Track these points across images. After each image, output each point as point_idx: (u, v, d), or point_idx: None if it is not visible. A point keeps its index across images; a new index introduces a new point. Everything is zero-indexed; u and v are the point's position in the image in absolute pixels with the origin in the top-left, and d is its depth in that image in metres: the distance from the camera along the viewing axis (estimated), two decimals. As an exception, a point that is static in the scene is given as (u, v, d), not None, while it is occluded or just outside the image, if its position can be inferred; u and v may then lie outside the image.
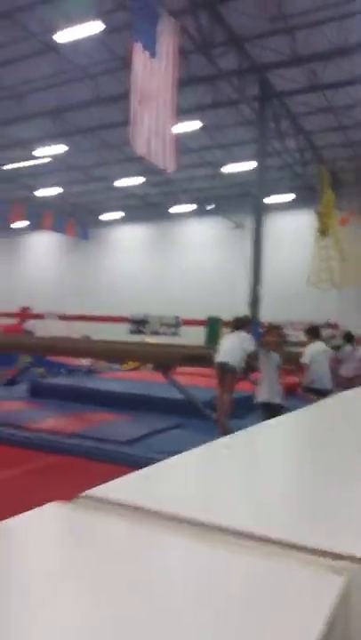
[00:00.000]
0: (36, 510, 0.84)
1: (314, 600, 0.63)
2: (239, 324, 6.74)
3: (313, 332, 7.52)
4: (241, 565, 0.71)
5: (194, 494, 0.97)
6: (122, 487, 0.95)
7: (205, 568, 0.71)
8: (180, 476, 1.09)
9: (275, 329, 6.28)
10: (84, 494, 0.89)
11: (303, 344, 10.05)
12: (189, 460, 1.17)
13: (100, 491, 0.91)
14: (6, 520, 0.78)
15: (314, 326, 8.01)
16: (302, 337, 14.58)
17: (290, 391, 7.34)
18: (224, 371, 6.35)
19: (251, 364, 6.74)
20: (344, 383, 7.91)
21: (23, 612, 0.58)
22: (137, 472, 1.01)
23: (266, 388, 5.76)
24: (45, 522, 0.83)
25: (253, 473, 1.15)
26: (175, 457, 1.13)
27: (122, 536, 0.79)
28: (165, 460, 1.10)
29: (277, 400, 5.67)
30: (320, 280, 15.45)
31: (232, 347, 6.42)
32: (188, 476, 1.10)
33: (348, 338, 9.75)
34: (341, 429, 1.73)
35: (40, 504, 0.85)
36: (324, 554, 0.72)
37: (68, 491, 0.96)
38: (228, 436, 1.45)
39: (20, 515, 0.81)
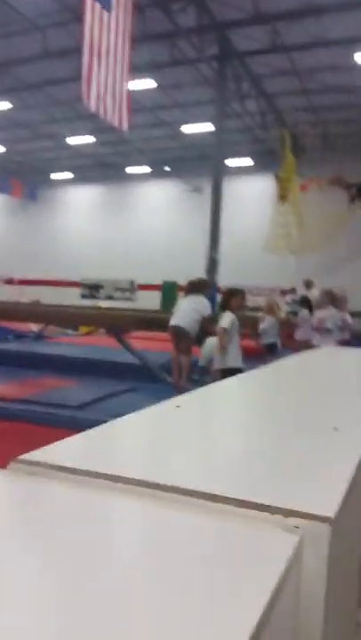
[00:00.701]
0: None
1: (267, 558, 0.63)
2: (195, 288, 6.70)
3: None
4: (192, 524, 0.69)
5: (142, 455, 0.95)
6: (63, 450, 0.91)
7: (154, 528, 0.69)
8: (128, 436, 1.06)
9: (240, 292, 6.27)
10: (19, 459, 0.84)
11: (261, 309, 10.13)
12: (138, 421, 1.14)
13: (37, 455, 0.86)
14: None
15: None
16: (260, 302, 14.87)
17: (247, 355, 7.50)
18: (178, 335, 6.38)
19: (206, 329, 6.76)
20: (300, 348, 8.06)
21: None
22: (80, 434, 0.97)
23: (230, 354, 5.78)
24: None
25: (205, 432, 1.13)
26: (123, 417, 1.10)
27: (60, 499, 0.76)
28: (112, 421, 1.07)
29: (239, 364, 5.72)
30: (277, 246, 15.51)
31: (186, 311, 6.41)
32: (136, 437, 1.07)
33: (304, 302, 9.86)
34: (294, 388, 1.74)
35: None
36: (277, 511, 0.71)
37: (11, 458, 0.91)
38: (183, 395, 1.43)
39: None
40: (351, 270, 18.18)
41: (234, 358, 5.77)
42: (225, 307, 6.02)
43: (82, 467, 0.82)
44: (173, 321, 6.38)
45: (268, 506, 0.72)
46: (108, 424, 1.07)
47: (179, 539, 0.66)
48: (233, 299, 6.02)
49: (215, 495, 0.74)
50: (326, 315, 8.29)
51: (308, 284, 10.85)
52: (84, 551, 0.61)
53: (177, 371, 6.43)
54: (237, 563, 0.61)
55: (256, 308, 11.45)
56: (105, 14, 9.12)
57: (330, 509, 0.71)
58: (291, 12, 12.84)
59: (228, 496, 0.74)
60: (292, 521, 0.70)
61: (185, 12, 12.87)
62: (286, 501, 0.72)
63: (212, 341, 6.53)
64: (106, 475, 0.80)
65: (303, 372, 2.32)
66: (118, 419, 1.10)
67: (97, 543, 0.64)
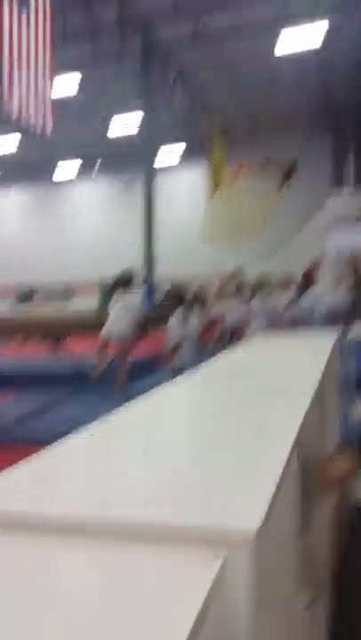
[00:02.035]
0: None
1: (190, 583, 0.63)
2: (121, 283, 6.47)
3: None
4: (115, 554, 0.69)
5: (68, 486, 0.94)
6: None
7: (76, 561, 0.69)
8: (57, 467, 1.03)
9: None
10: None
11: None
12: (63, 452, 1.11)
13: None
14: None
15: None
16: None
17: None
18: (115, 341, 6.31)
19: (145, 328, 6.72)
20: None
21: None
22: (6, 470, 0.95)
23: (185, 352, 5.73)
24: None
25: (135, 452, 1.13)
26: (46, 450, 1.07)
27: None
28: (42, 451, 1.04)
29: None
30: (214, 235, 15.55)
31: (117, 316, 6.27)
32: (65, 466, 1.05)
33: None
34: (224, 388, 1.76)
35: None
36: (201, 536, 0.71)
37: None
38: (119, 407, 1.42)
39: None
40: (287, 250, 18.56)
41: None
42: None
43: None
44: (105, 331, 6.28)
45: (191, 527, 0.72)
46: (41, 453, 1.04)
47: (99, 571, 0.67)
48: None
49: (141, 523, 0.74)
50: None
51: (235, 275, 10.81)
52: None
53: (116, 374, 6.33)
54: (160, 591, 0.62)
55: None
56: (23, 15, 8.99)
57: (251, 528, 0.71)
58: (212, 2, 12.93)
59: (149, 520, 0.74)
60: (217, 547, 0.69)
61: (104, 7, 12.75)
62: (208, 523, 0.73)
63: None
64: (30, 514, 0.79)
65: (238, 367, 2.34)
66: (42, 451, 1.07)
67: (12, 583, 0.63)
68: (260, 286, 8.51)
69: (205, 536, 0.71)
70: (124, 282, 6.48)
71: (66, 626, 0.55)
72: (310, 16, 13.17)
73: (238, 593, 0.69)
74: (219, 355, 2.57)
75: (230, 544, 0.69)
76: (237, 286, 9.63)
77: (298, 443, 1.08)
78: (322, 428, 1.79)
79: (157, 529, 0.73)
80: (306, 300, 8.42)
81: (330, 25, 13.34)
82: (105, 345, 6.36)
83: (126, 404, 1.47)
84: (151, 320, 6.54)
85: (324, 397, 1.83)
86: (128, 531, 0.74)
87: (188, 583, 0.63)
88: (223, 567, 0.67)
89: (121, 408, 1.42)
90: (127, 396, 1.57)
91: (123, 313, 6.28)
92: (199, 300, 7.07)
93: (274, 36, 13.96)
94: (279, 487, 0.85)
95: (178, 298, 6.03)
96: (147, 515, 0.76)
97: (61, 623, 0.56)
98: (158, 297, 14.67)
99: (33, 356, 8.52)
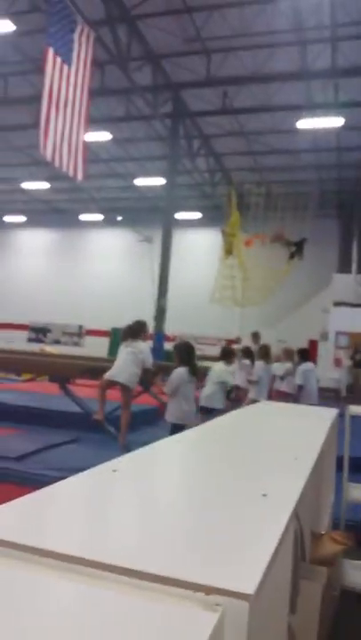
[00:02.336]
0: None
1: (186, 637, 0.63)
2: (131, 333, 6.41)
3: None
4: (111, 602, 0.69)
5: (69, 526, 0.94)
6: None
7: (75, 604, 0.69)
8: (58, 506, 1.05)
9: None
10: None
11: (207, 358, 10.24)
12: (71, 488, 1.14)
13: None
14: None
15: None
16: (206, 351, 14.96)
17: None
18: (119, 387, 6.23)
19: (148, 379, 6.69)
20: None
21: None
22: (8, 504, 0.96)
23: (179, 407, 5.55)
24: None
25: (137, 501, 1.14)
26: (56, 484, 1.09)
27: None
28: (44, 489, 1.06)
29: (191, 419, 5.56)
30: (223, 297, 15.86)
31: (123, 362, 6.16)
32: (67, 507, 1.06)
33: (247, 354, 9.93)
34: (231, 449, 1.76)
35: None
36: (198, 588, 0.72)
37: None
38: (121, 457, 1.43)
39: None
40: (289, 321, 18.85)
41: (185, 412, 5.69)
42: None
43: (9, 538, 0.82)
44: (110, 374, 6.15)
45: (190, 583, 0.72)
46: (42, 491, 1.06)
47: (96, 619, 0.65)
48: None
49: (134, 571, 0.74)
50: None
51: (256, 337, 10.94)
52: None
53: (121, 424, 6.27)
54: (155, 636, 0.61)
55: (203, 357, 11.48)
56: (65, 67, 9.36)
57: (249, 586, 0.72)
58: (240, 77, 13.54)
59: (149, 572, 0.74)
60: (213, 598, 0.70)
61: (141, 71, 13.36)
62: (208, 578, 0.73)
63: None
64: (33, 548, 0.80)
65: (244, 429, 2.35)
66: (52, 485, 1.10)
67: (13, 616, 0.63)
68: (266, 352, 8.61)
69: (205, 591, 0.71)
70: (134, 330, 6.47)
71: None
72: (328, 108, 13.81)
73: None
74: (225, 415, 2.57)
75: (227, 603, 0.69)
76: (244, 350, 9.75)
77: (296, 511, 1.08)
78: (318, 500, 1.77)
79: (153, 577, 0.73)
80: (300, 375, 8.47)
81: (346, 120, 13.97)
82: (106, 387, 6.27)
83: (127, 454, 1.48)
84: (160, 370, 6.51)
85: (322, 471, 1.83)
86: (123, 572, 0.74)
87: (186, 632, 0.63)
88: (220, 623, 0.67)
89: (121, 458, 1.43)
90: (127, 447, 1.56)
91: (131, 358, 6.19)
92: (228, 354, 7.24)
93: (295, 117, 14.55)
94: (276, 553, 0.86)
95: (187, 351, 5.99)
96: (149, 563, 0.76)
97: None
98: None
99: (41, 393, 8.53)
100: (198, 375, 5.85)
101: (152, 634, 0.63)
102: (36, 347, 20.10)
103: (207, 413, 6.21)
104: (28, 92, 14.29)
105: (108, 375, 6.15)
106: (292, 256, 15.81)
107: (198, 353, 6.74)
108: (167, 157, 16.47)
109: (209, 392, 6.80)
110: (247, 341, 11.71)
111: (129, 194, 22.59)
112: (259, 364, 8.43)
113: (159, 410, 7.50)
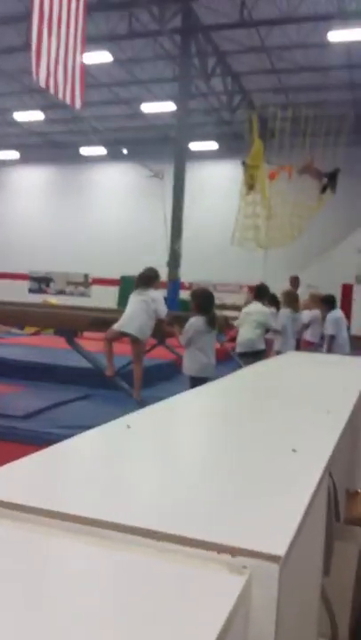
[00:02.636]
0: None
1: (213, 599, 0.65)
2: (143, 281, 6.37)
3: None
4: (135, 565, 0.71)
5: (83, 487, 0.96)
6: None
7: (94, 567, 0.71)
8: (71, 464, 1.07)
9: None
10: None
11: (227, 307, 10.26)
12: (83, 445, 1.16)
13: None
14: None
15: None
16: (226, 300, 14.94)
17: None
18: (129, 339, 6.21)
19: (164, 331, 6.70)
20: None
21: None
22: (17, 461, 0.98)
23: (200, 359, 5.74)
24: None
25: (155, 459, 1.16)
26: (66, 441, 1.11)
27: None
28: (53, 446, 1.08)
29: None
30: (245, 239, 15.65)
31: (133, 312, 6.15)
32: (79, 465, 1.08)
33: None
34: (257, 401, 1.79)
35: None
36: (224, 549, 0.73)
37: None
38: (136, 412, 1.45)
39: None
40: (320, 264, 18.63)
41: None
42: None
43: (19, 501, 0.83)
44: (118, 325, 6.14)
45: (216, 544, 0.74)
46: (51, 448, 1.08)
47: (119, 579, 0.68)
48: None
49: (159, 532, 0.76)
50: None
51: (295, 281, 10.73)
52: (20, 593, 0.63)
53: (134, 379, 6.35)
54: (182, 604, 0.63)
55: (222, 306, 11.47)
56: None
57: (280, 548, 0.73)
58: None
59: (174, 533, 0.76)
60: (240, 560, 0.72)
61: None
62: (235, 539, 0.74)
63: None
64: (46, 511, 0.81)
65: (270, 381, 2.36)
66: (62, 442, 1.12)
67: (33, 583, 0.65)
68: (292, 298, 8.54)
69: (231, 552, 0.73)
70: (146, 278, 6.42)
71: (73, 628, 0.57)
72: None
73: (262, 614, 0.72)
74: (250, 367, 2.58)
75: (255, 565, 0.71)
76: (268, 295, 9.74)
77: (329, 468, 1.10)
78: (352, 457, 1.79)
79: (179, 539, 0.75)
80: (331, 324, 8.52)
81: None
82: (114, 339, 6.29)
83: (142, 409, 1.50)
84: (176, 320, 6.51)
85: (357, 425, 1.86)
86: (145, 534, 0.76)
87: (211, 596, 0.65)
88: (248, 585, 0.69)
89: (136, 413, 1.45)
90: (143, 403, 1.57)
91: (143, 307, 6.16)
92: (264, 292, 7.66)
93: (325, 28, 13.98)
94: (308, 512, 0.87)
95: (205, 298, 6.01)
96: (174, 523, 0.78)
97: (65, 623, 0.58)
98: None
99: (48, 348, 8.65)
100: (219, 325, 5.90)
101: (175, 598, 0.65)
102: (38, 298, 20.28)
103: (251, 357, 6.35)
104: (16, 10, 13.81)
105: (116, 326, 6.15)
106: (323, 189, 15.37)
107: (217, 302, 6.83)
108: (177, 79, 16.02)
109: (250, 336, 7.05)
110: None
111: (135, 123, 22.10)
112: (284, 311, 8.38)
113: (176, 364, 7.58)
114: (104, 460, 1.11)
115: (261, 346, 7.19)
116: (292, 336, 8.40)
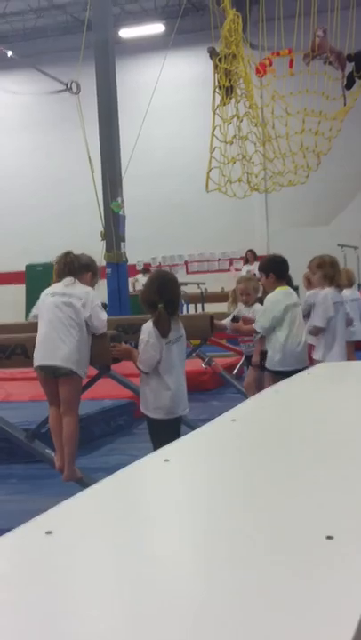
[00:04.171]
0: None
1: None
2: (66, 272, 6.30)
3: None
4: None
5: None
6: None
7: None
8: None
9: None
10: None
11: (212, 298, 10.25)
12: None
13: None
14: None
15: None
16: (209, 285, 14.86)
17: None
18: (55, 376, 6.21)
19: (105, 352, 6.62)
20: None
21: None
22: None
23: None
24: None
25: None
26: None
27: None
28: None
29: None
30: (229, 179, 15.53)
31: (58, 329, 6.08)
32: None
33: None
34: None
35: None
36: None
37: None
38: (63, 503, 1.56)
39: None
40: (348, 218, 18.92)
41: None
42: None
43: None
44: (38, 359, 6.19)
45: None
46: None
47: None
48: None
49: None
50: None
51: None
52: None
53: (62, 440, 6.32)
54: None
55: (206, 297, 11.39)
56: None
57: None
58: None
59: None
60: None
61: None
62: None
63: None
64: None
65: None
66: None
67: None
68: (334, 272, 8.29)
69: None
70: (71, 267, 6.33)
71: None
72: None
73: None
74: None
75: None
76: None
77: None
78: None
79: None
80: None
81: None
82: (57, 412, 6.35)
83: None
84: (127, 331, 6.55)
85: None
86: None
87: None
88: None
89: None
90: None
91: (69, 323, 6.12)
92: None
93: None
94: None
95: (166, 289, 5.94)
96: None
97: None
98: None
99: None
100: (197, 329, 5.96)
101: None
102: None
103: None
104: None
105: (35, 362, 6.18)
106: (348, 82, 15.36)
107: (190, 291, 6.79)
108: None
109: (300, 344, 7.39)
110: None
111: (24, 4, 22.26)
112: (327, 294, 8.10)
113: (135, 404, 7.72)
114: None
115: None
116: (342, 333, 8.12)
